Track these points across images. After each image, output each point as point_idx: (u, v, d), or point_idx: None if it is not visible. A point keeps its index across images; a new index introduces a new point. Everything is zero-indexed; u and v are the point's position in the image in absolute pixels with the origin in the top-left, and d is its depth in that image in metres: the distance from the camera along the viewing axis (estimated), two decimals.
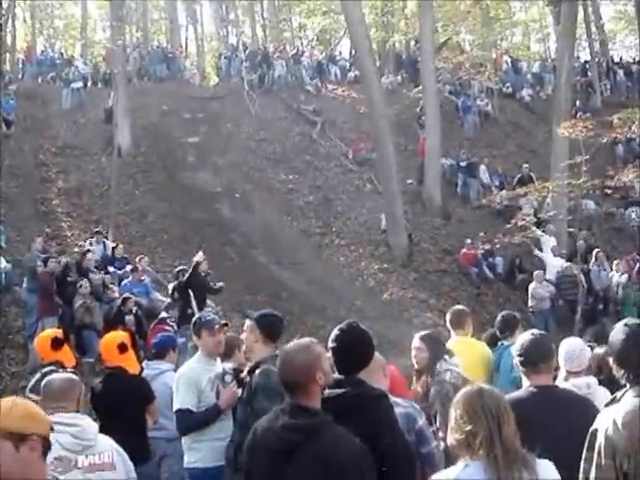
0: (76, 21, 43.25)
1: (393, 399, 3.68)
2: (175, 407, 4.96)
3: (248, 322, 4.75)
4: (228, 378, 5.07)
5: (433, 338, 5.13)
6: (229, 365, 5.31)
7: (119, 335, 6.13)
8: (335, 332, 3.50)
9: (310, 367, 3.04)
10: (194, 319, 5.48)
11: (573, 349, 4.70)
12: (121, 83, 21.77)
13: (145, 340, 11.52)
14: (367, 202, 20.83)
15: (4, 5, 27.95)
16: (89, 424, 3.25)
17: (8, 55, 30.45)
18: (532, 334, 3.83)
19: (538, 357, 3.69)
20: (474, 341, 6.39)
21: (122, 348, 5.64)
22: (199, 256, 11.83)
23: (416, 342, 5.08)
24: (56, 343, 5.64)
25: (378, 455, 3.08)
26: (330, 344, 3.47)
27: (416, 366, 5.11)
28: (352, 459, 2.90)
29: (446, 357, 4.93)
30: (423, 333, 5.19)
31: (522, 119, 27.06)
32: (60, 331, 6.07)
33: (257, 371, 4.39)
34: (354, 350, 3.46)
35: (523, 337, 3.85)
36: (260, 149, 23.47)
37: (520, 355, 3.74)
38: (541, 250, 17.24)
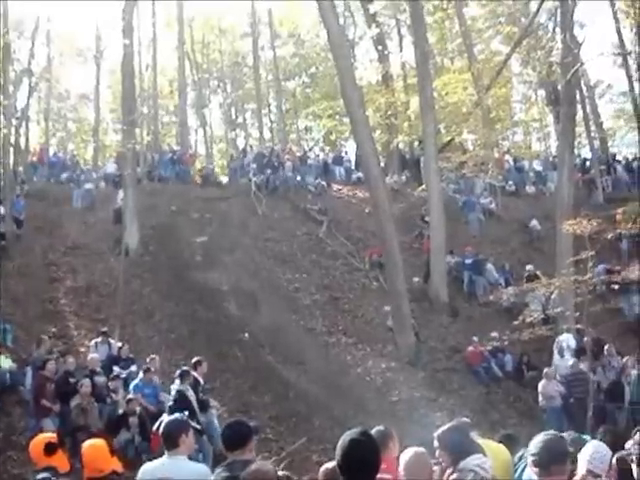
0: (88, 124, 44.52)
1: None
2: None
3: None
4: None
5: (451, 434, 4.62)
6: None
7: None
8: (348, 442, 3.27)
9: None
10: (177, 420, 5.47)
11: (599, 451, 4.63)
12: (131, 184, 22.17)
13: (149, 442, 11.37)
14: (374, 300, 20.84)
15: (18, 107, 28.89)
16: None
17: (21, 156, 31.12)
18: (546, 435, 3.76)
19: (551, 459, 3.60)
20: (495, 444, 5.76)
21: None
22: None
23: (435, 442, 4.67)
24: (49, 448, 5.51)
25: None
26: (343, 453, 3.24)
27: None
28: None
29: (474, 456, 4.40)
30: (440, 431, 4.67)
31: (526, 216, 27.26)
32: (54, 436, 5.94)
33: None
34: (369, 462, 3.27)
35: (538, 438, 3.75)
36: (267, 248, 23.70)
37: (534, 456, 3.66)
38: (562, 351, 16.76)
